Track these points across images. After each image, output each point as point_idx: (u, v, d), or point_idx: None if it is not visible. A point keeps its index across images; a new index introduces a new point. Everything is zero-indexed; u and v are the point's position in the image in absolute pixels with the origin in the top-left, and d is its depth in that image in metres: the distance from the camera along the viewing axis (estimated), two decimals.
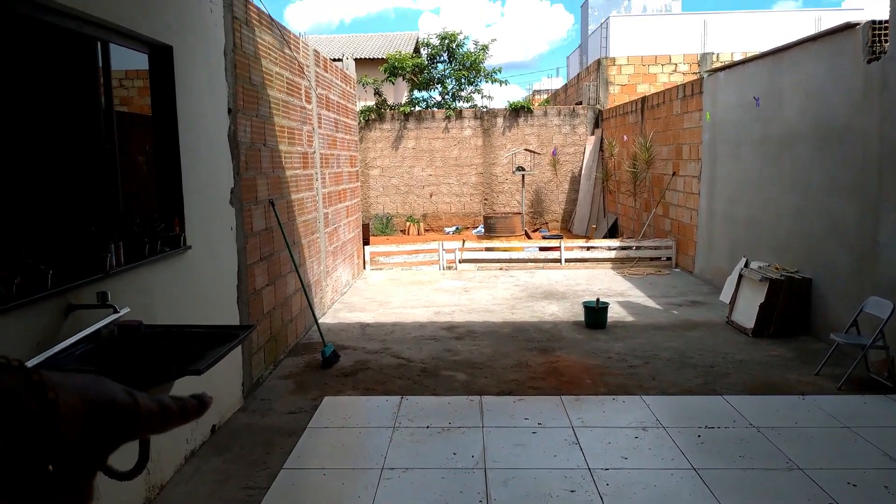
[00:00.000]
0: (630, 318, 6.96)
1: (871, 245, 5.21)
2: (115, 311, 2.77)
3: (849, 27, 5.55)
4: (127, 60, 3.53)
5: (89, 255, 2.85)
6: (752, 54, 7.74)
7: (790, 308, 6.05)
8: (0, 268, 2.39)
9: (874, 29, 5.24)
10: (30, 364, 2.02)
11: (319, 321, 6.39)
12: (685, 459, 3.66)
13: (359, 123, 14.04)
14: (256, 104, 5.12)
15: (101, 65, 3.26)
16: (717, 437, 3.94)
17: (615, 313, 7.06)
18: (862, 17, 5.45)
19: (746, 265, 7.12)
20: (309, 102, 6.74)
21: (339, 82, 8.29)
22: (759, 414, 4.26)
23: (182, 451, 3.69)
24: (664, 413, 4.33)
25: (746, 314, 6.31)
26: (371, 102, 15.73)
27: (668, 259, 9.98)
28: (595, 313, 6.60)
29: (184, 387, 3.34)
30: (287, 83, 5.94)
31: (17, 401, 0.43)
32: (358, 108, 12.96)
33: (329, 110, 7.67)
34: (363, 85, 15.22)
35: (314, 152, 6.93)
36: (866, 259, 5.27)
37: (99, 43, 3.21)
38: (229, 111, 4.56)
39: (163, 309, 3.46)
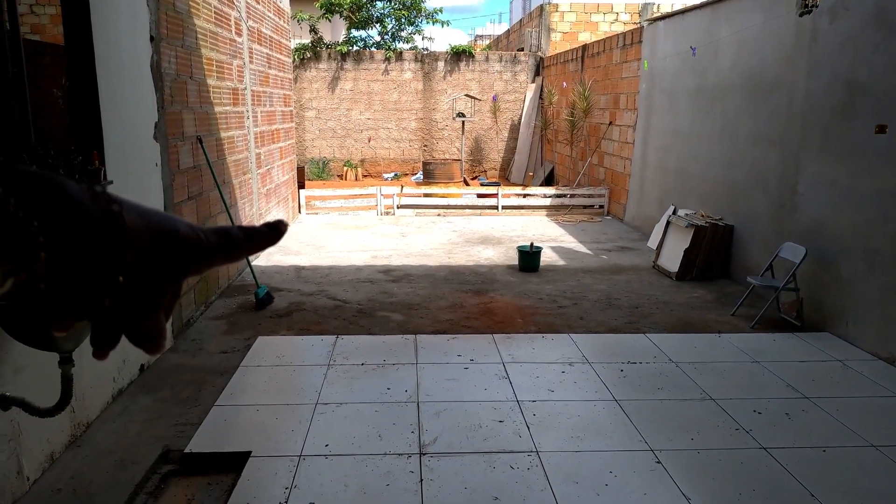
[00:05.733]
0: (561, 263, 7.14)
1: (790, 194, 5.48)
2: None
3: None
4: None
5: None
6: (692, 4, 7.83)
7: (712, 253, 6.34)
8: None
9: None
10: None
11: (253, 264, 6.28)
12: (608, 392, 3.85)
13: (293, 62, 13.57)
14: (182, 33, 4.86)
15: None
16: (639, 372, 4.15)
17: (547, 258, 7.23)
18: None
19: (674, 213, 7.38)
20: (239, 35, 6.45)
21: (271, 15, 7.95)
22: (678, 350, 4.51)
23: (109, 390, 3.62)
24: (590, 349, 4.51)
25: (671, 259, 6.57)
26: (307, 40, 15.18)
27: (601, 207, 10.23)
28: (528, 257, 6.74)
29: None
30: (215, 13, 5.65)
31: (82, 205, 0.43)
32: (293, 46, 12.50)
33: (261, 45, 7.37)
34: (298, 21, 14.65)
35: (245, 88, 6.68)
36: (785, 207, 5.55)
37: None
38: (151, 39, 4.31)
39: None
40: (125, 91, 3.96)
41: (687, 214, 6.93)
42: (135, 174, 4.07)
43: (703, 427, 3.44)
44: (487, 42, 27.79)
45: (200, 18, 5.26)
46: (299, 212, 9.88)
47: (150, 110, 4.31)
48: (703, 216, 6.70)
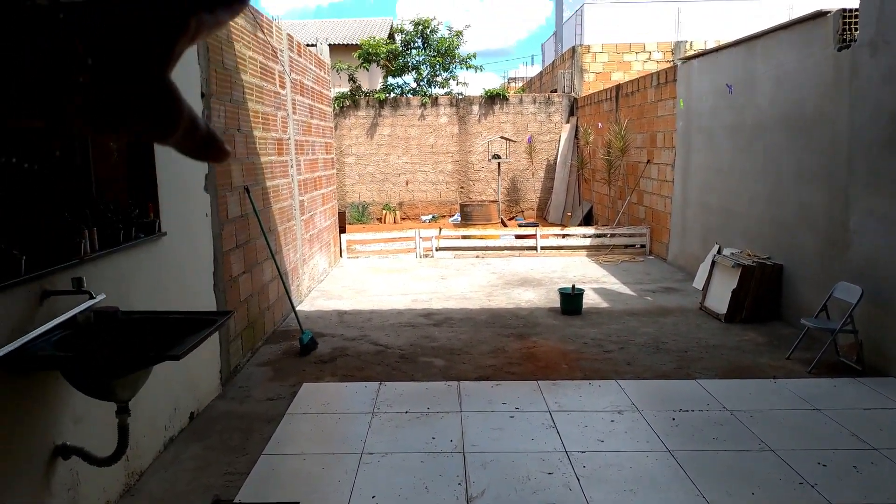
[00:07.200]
0: (605, 305, 7.04)
1: (840, 231, 5.33)
2: (91, 297, 2.72)
3: (820, 15, 5.64)
4: None
5: (63, 240, 2.79)
6: (726, 42, 7.83)
7: (762, 294, 6.17)
8: None
9: (844, 17, 5.34)
10: (4, 351, 1.97)
11: (297, 309, 6.35)
12: (660, 442, 3.73)
13: (333, 110, 13.91)
14: (230, 89, 5.04)
15: None
16: (691, 420, 4.02)
17: (590, 300, 7.14)
18: (833, 4, 5.55)
19: (719, 252, 7.24)
20: (283, 88, 6.66)
21: (313, 67, 8.20)
22: (732, 397, 4.36)
23: (161, 438, 3.66)
24: (639, 397, 4.40)
25: (719, 300, 6.42)
26: (345, 89, 15.59)
27: (642, 246, 10.10)
28: (571, 300, 6.66)
29: (162, 372, 3.30)
30: (261, 67, 5.86)
31: None
32: (332, 95, 12.83)
33: (304, 96, 7.59)
34: (337, 71, 15.08)
35: (289, 138, 6.86)
36: (836, 245, 5.40)
37: None
38: (202, 96, 4.48)
39: (139, 296, 3.41)
40: None
41: (732, 254, 6.79)
42: (187, 224, 4.18)
43: (764, 480, 3.30)
44: (520, 84, 28.15)
45: (247, 73, 5.46)
46: (340, 256, 9.99)
47: (201, 163, 4.44)
48: (749, 255, 6.55)
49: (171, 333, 2.69)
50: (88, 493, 2.88)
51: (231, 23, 5.03)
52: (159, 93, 0.47)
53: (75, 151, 3.15)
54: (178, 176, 4.07)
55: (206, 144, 0.51)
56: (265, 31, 6.03)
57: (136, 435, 3.27)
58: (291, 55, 7.04)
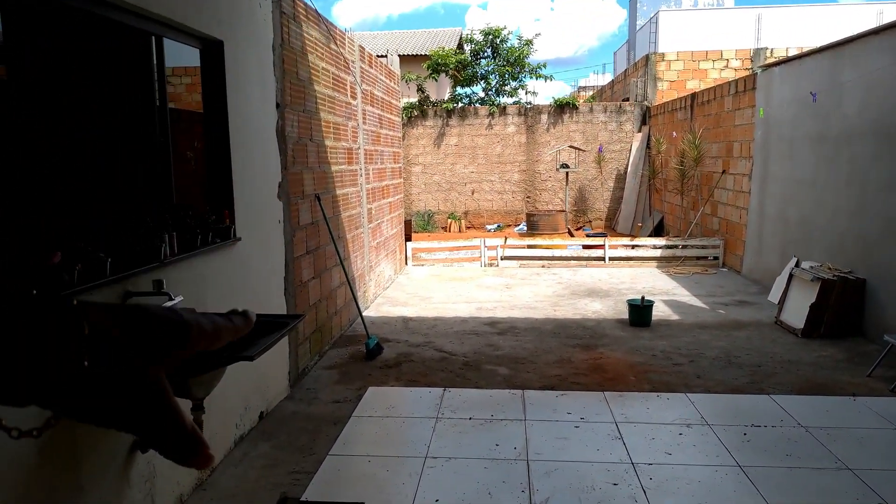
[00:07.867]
0: (675, 317, 6.86)
1: None
2: (171, 299, 2.88)
3: None
4: (176, 57, 3.62)
5: (145, 244, 2.97)
6: (810, 49, 7.51)
7: (842, 309, 5.87)
8: (62, 256, 2.51)
9: None
10: None
11: (363, 314, 6.48)
12: (730, 457, 3.61)
13: (402, 120, 14.16)
14: (303, 99, 5.22)
15: (155, 60, 3.36)
16: (764, 436, 3.87)
17: (660, 312, 6.97)
18: None
19: (797, 265, 6.94)
20: (354, 98, 6.84)
21: (383, 78, 8.38)
22: (808, 414, 4.17)
23: (232, 436, 3.81)
24: (709, 411, 4.26)
25: (796, 314, 6.15)
26: (414, 99, 15.83)
27: (716, 258, 9.78)
28: (639, 311, 6.52)
29: (234, 372, 3.45)
30: (333, 79, 6.04)
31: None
32: (401, 105, 13.07)
33: (373, 106, 7.77)
34: (406, 81, 15.33)
35: (358, 148, 7.03)
36: None
37: (153, 38, 3.31)
38: (277, 106, 4.67)
39: (214, 298, 3.58)
40: (253, 154, 4.28)
41: (812, 267, 6.49)
42: (260, 231, 4.35)
43: (842, 500, 3.14)
44: (591, 93, 27.81)
45: (320, 84, 5.64)
46: (406, 263, 10.13)
47: (274, 171, 4.62)
48: (830, 269, 6.24)
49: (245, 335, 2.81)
50: (164, 486, 3.04)
51: (306, 34, 5.23)
52: (147, 395, 0.48)
53: (157, 163, 3.35)
54: (253, 184, 4.25)
55: (190, 444, 0.51)
56: (338, 42, 6.22)
57: (208, 432, 3.42)
58: (362, 66, 7.23)
